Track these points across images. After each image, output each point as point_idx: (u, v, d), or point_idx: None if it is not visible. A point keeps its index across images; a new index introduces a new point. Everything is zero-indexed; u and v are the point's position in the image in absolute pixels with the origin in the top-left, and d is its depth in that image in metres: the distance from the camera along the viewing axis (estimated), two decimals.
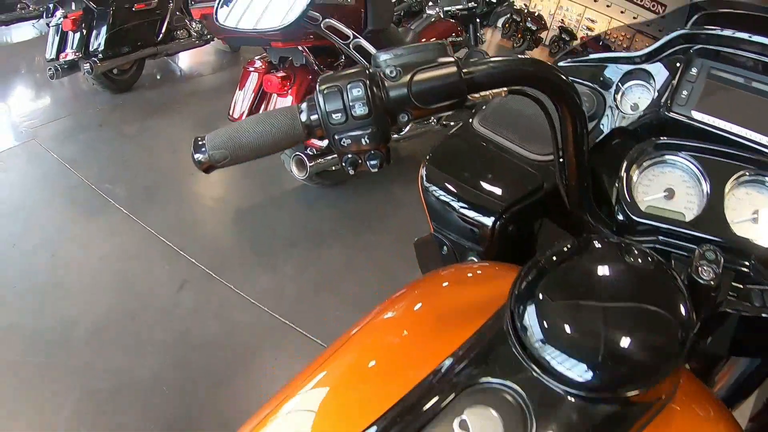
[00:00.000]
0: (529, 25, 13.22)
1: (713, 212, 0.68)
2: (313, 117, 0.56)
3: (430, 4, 3.92)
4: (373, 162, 0.58)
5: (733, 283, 0.63)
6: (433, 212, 0.95)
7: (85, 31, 3.98)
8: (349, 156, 0.58)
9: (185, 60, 5.69)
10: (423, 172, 0.96)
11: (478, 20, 4.24)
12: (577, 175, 0.71)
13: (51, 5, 4.30)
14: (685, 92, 0.80)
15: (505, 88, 0.58)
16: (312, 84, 2.48)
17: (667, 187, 0.72)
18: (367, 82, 0.53)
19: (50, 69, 3.89)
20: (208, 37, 4.97)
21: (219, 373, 1.96)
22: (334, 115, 0.54)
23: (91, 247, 2.51)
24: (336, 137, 0.56)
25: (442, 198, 0.92)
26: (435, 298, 0.72)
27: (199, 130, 3.64)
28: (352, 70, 0.55)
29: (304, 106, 0.58)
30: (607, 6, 16.90)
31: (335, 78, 0.55)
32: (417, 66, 0.55)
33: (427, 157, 0.96)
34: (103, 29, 3.99)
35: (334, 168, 2.78)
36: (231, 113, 2.64)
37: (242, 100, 2.62)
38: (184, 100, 4.60)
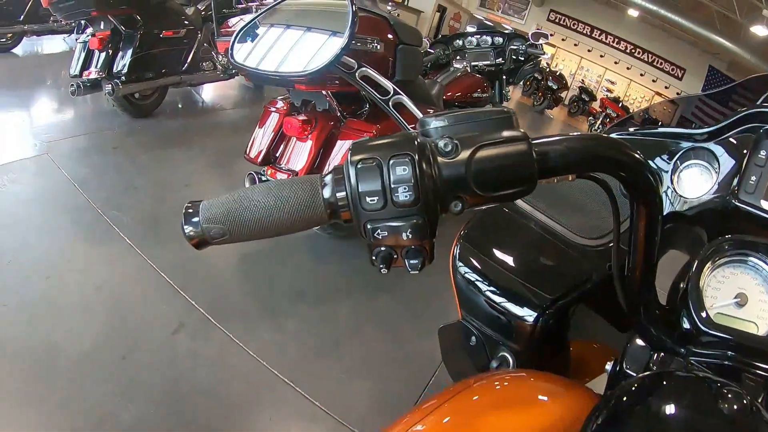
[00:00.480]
0: (550, 83, 13.39)
1: None
2: (340, 195, 0.46)
3: (458, 58, 3.93)
4: (413, 261, 0.47)
5: None
6: (463, 298, 0.85)
7: (111, 52, 4.00)
8: (383, 249, 0.47)
9: (208, 92, 5.72)
10: (456, 250, 0.86)
11: (504, 77, 4.22)
12: (642, 275, 0.62)
13: (82, 22, 4.34)
14: (753, 178, 0.71)
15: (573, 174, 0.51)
16: (333, 131, 2.43)
17: (739, 292, 0.63)
18: (416, 157, 0.43)
19: (72, 85, 3.91)
20: (233, 71, 4.98)
21: (208, 427, 1.82)
22: (368, 199, 0.43)
23: (89, 273, 2.41)
24: (368, 227, 0.45)
25: (477, 283, 0.82)
26: (475, 421, 0.61)
27: (214, 166, 3.59)
28: (396, 139, 0.45)
29: (328, 179, 0.47)
30: (627, 68, 17.21)
31: (374, 147, 0.44)
32: (479, 140, 0.44)
33: (461, 233, 0.87)
34: (129, 52, 4.00)
35: None
36: (248, 152, 2.57)
37: (261, 139, 2.56)
38: (203, 132, 4.59)
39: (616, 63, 17.41)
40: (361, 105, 2.58)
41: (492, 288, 0.80)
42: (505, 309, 0.78)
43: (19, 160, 3.28)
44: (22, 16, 6.14)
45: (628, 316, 0.66)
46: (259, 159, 2.53)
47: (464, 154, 0.44)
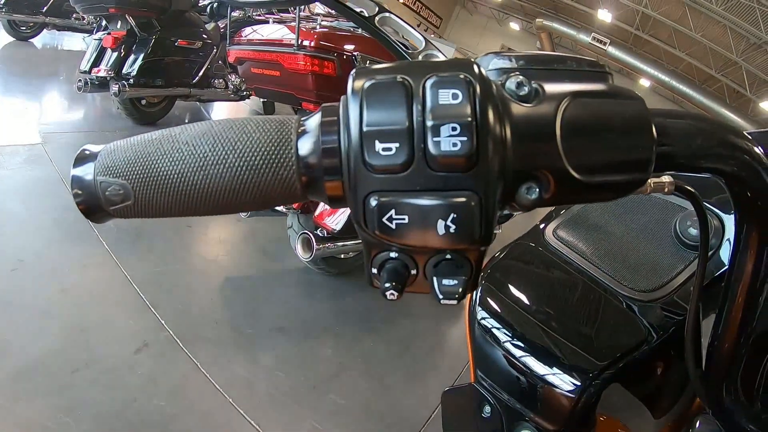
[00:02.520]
0: None
1: None
2: (329, 148, 0.27)
3: None
4: (449, 282, 0.28)
5: None
6: (481, 354, 0.67)
7: (123, 53, 3.93)
8: (393, 256, 0.28)
9: (217, 111, 5.65)
10: (476, 294, 0.69)
11: None
12: (735, 343, 0.44)
13: (103, 23, 4.31)
14: None
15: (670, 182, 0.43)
16: None
17: None
18: (476, 85, 0.25)
19: (80, 80, 3.85)
20: (245, 93, 4.89)
21: None
22: (381, 145, 0.25)
23: (57, 274, 2.25)
24: (373, 203, 0.26)
25: (499, 335, 0.65)
26: None
27: None
28: (444, 60, 0.27)
29: (311, 122, 0.29)
30: None
31: (397, 68, 0.26)
32: (572, 87, 0.28)
33: (484, 274, 0.70)
34: (141, 55, 3.94)
35: (343, 256, 2.52)
36: None
37: None
38: None
39: None
40: None
41: (521, 345, 0.63)
42: (537, 374, 0.61)
43: (11, 145, 3.17)
44: (45, 8, 6.18)
45: (679, 397, 0.56)
46: None
47: (551, 103, 0.27)
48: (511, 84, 0.27)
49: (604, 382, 0.60)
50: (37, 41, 6.57)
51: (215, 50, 4.66)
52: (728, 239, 0.66)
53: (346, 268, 2.75)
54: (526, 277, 0.72)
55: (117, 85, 3.78)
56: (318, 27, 2.21)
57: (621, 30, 13.94)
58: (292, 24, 2.33)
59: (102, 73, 3.84)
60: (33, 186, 2.85)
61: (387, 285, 0.28)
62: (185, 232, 2.97)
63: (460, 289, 0.28)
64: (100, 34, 4.08)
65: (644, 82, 15.45)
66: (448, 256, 0.28)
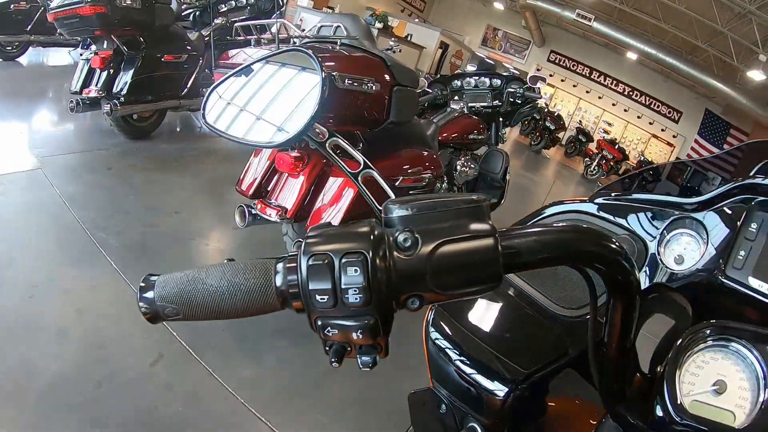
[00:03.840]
0: (548, 124, 13.53)
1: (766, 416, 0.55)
2: (292, 285, 0.43)
3: (456, 98, 3.96)
4: (365, 358, 0.45)
5: None
6: (434, 365, 0.81)
7: (112, 72, 4.04)
8: (335, 342, 0.45)
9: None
10: (430, 315, 0.82)
11: (501, 119, 4.26)
12: (616, 368, 0.59)
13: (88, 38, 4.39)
14: (742, 253, 0.68)
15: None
16: (326, 168, 2.44)
17: (718, 380, 0.59)
18: (369, 257, 0.40)
19: (72, 102, 3.94)
20: None
21: None
22: (318, 297, 0.41)
23: (71, 295, 2.39)
24: (319, 323, 0.43)
25: (448, 351, 0.78)
26: None
27: (206, 195, 3.58)
28: (353, 230, 0.43)
29: (281, 266, 0.45)
30: (625, 110, 17.45)
31: (328, 239, 0.43)
32: (442, 235, 0.42)
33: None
34: (130, 73, 4.04)
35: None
36: (239, 184, 2.57)
37: (253, 172, 2.56)
38: (198, 158, 4.59)
39: (614, 105, 17.67)
40: (355, 144, 2.59)
41: (463, 358, 0.77)
42: (475, 381, 0.74)
43: (12, 173, 3.28)
44: (29, 26, 6.21)
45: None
46: (250, 192, 2.52)
47: (424, 250, 0.41)
48: (399, 237, 0.42)
49: (530, 385, 0.72)
50: (23, 59, 6.62)
51: (201, 60, 4.77)
52: (651, 257, 0.77)
53: None
54: (472, 301, 0.84)
55: (109, 105, 3.90)
56: None
57: (605, 5, 13.92)
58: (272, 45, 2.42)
59: (93, 94, 3.95)
60: (37, 211, 2.97)
61: (333, 359, 0.45)
62: (188, 246, 3.12)
63: (372, 362, 0.45)
64: (87, 54, 4.17)
65: (631, 56, 15.48)
66: (366, 345, 0.45)
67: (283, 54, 2.06)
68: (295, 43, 2.63)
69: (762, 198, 0.72)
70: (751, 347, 0.59)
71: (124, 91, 4.02)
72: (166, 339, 2.28)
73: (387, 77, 2.48)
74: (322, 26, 3.25)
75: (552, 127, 13.56)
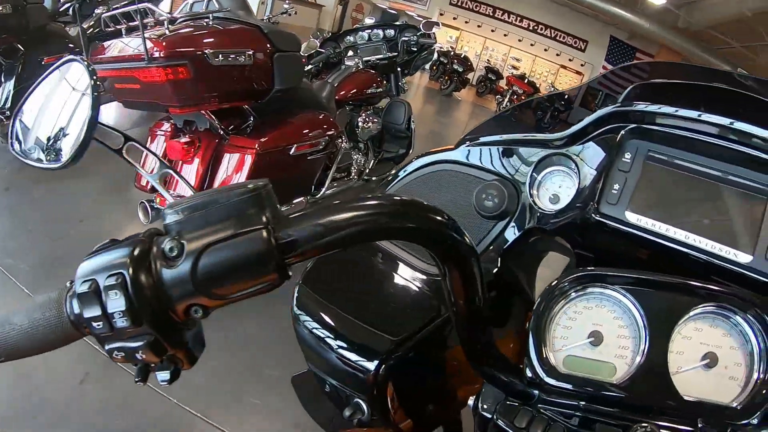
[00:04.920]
0: (455, 66, 13.62)
1: (652, 364, 0.53)
2: (74, 314, 0.40)
3: (350, 54, 3.90)
4: (162, 376, 0.43)
5: None
6: (306, 348, 0.74)
7: None
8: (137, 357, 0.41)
9: (106, 114, 5.42)
10: (295, 296, 0.74)
11: (399, 69, 4.25)
12: (470, 337, 0.55)
13: None
14: (616, 186, 0.64)
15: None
16: (219, 149, 2.37)
17: (593, 330, 0.56)
18: (129, 277, 0.37)
19: None
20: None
21: None
22: (95, 324, 0.38)
23: None
24: (106, 347, 0.40)
25: (317, 332, 0.71)
26: None
27: (109, 196, 3.41)
28: (115, 248, 0.39)
29: (69, 296, 0.41)
30: (531, 45, 17.78)
31: (95, 261, 0.39)
32: (207, 238, 0.38)
33: (302, 277, 0.76)
34: (10, 84, 3.75)
35: None
36: (137, 181, 2.46)
37: (148, 163, 2.45)
38: (98, 159, 4.32)
39: (520, 41, 17.94)
40: (245, 119, 2.53)
41: (332, 336, 0.70)
42: (346, 358, 0.68)
43: None
44: None
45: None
46: (149, 186, 2.42)
47: (189, 259, 0.37)
48: (166, 247, 0.38)
49: (405, 353, 0.67)
50: None
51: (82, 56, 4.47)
52: (524, 201, 0.73)
53: None
54: (339, 274, 0.79)
55: None
56: (167, 32, 2.20)
57: None
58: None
59: None
60: None
61: (137, 378, 0.42)
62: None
63: (171, 377, 0.43)
64: None
65: None
66: (162, 362, 0.42)
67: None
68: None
69: (633, 125, 0.67)
70: (626, 292, 0.56)
71: (8, 104, 3.72)
72: (89, 354, 2.17)
73: (265, 45, 2.41)
74: (194, 2, 3.11)
75: (460, 69, 13.67)
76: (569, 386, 0.54)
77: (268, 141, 2.30)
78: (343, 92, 3.37)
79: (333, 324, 0.71)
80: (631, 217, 0.62)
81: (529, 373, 0.56)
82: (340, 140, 2.89)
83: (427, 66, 12.61)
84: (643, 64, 0.94)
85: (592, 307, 0.57)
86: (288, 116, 2.58)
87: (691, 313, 0.54)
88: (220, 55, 2.20)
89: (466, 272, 0.49)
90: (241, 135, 2.33)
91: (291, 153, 2.47)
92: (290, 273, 0.41)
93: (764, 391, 0.51)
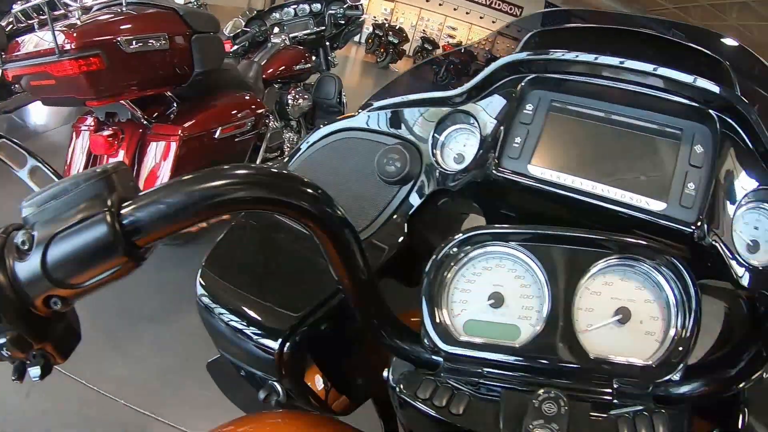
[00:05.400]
0: (391, 38, 13.55)
1: (557, 323, 0.51)
2: None
3: (276, 31, 3.83)
4: (33, 373, 0.42)
5: (592, 413, 0.48)
6: (212, 332, 0.70)
7: None
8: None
9: (35, 113, 5.15)
10: (198, 279, 0.70)
11: (327, 43, 4.21)
12: (362, 308, 0.54)
13: None
14: (518, 139, 0.61)
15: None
16: (143, 139, 2.32)
17: (494, 292, 0.53)
18: None
19: None
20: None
21: None
22: None
23: None
24: None
25: (221, 314, 0.67)
26: None
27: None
28: None
29: None
30: (467, 13, 17.84)
31: None
32: (54, 228, 0.38)
33: (205, 258, 0.72)
34: None
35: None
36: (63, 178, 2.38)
37: (75, 162, 2.39)
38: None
39: (455, 9, 17.99)
40: (167, 106, 2.48)
41: (236, 319, 0.66)
42: (252, 340, 0.64)
43: None
44: None
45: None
46: None
47: (38, 250, 0.37)
48: (18, 240, 0.38)
49: (311, 327, 0.63)
50: None
51: (3, 54, 4.23)
52: (428, 163, 0.70)
53: (191, 235, 2.72)
54: (246, 252, 0.74)
55: None
56: (78, 22, 2.11)
57: None
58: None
59: None
60: None
61: (13, 377, 0.41)
62: None
63: (42, 372, 0.41)
64: None
65: None
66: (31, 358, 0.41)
67: None
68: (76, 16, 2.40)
69: (533, 75, 0.64)
70: (525, 249, 0.53)
71: None
72: None
73: (182, 28, 2.35)
74: None
75: (395, 41, 13.61)
76: (471, 353, 0.51)
77: (192, 126, 2.27)
78: (270, 71, 3.33)
79: (236, 306, 0.67)
80: (534, 170, 0.59)
81: (426, 342, 0.53)
82: (267, 119, 2.87)
83: (363, 39, 12.49)
84: (556, 11, 0.88)
85: (492, 268, 0.54)
86: (212, 99, 2.54)
87: (598, 267, 0.52)
88: (135, 42, 2.14)
89: (341, 245, 0.48)
90: (164, 122, 2.28)
91: (216, 136, 2.44)
92: (146, 256, 0.41)
93: (683, 346, 0.48)
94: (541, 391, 0.47)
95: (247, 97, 2.72)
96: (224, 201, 0.40)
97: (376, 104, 0.78)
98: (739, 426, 0.54)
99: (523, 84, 0.63)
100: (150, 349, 2.26)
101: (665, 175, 0.56)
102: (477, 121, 0.67)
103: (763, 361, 0.49)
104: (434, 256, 0.55)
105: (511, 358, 0.50)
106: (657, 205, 0.55)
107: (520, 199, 0.63)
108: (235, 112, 2.59)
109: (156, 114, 2.41)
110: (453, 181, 0.66)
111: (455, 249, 0.55)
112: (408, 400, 0.52)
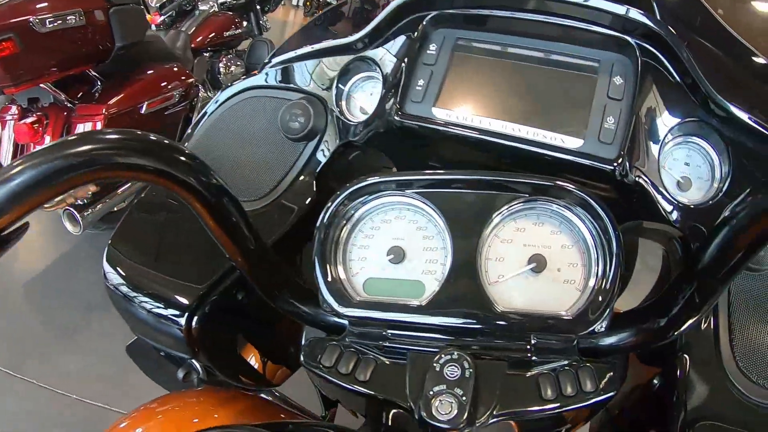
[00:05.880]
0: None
1: (462, 276, 0.48)
2: None
3: None
4: None
5: (509, 372, 0.45)
6: (123, 312, 0.66)
7: None
8: None
9: None
10: (105, 261, 0.65)
11: (258, 7, 4.09)
12: (255, 275, 0.51)
13: None
14: (421, 81, 0.57)
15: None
16: (68, 122, 2.24)
17: (393, 246, 0.50)
18: None
19: None
20: None
21: None
22: None
23: None
24: None
25: (129, 293, 0.63)
26: None
27: None
28: None
29: None
30: None
31: None
32: None
33: (112, 235, 0.68)
34: None
35: (116, 208, 2.44)
36: None
37: (2, 153, 2.29)
38: None
39: None
40: (91, 84, 2.39)
41: (142, 296, 0.62)
42: (160, 318, 0.60)
43: None
44: None
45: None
46: None
47: None
48: None
49: (220, 297, 0.60)
50: None
51: None
52: (332, 116, 0.66)
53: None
54: (154, 226, 0.70)
55: None
56: None
57: None
58: None
59: None
60: None
61: None
62: None
63: None
64: None
65: None
66: None
67: None
68: None
69: (435, 12, 0.60)
70: (424, 198, 0.50)
71: None
72: None
73: (98, 1, 2.24)
74: None
75: (335, 2, 13.24)
76: (373, 313, 0.48)
77: (117, 103, 2.20)
78: (199, 39, 3.23)
79: (142, 283, 0.63)
80: (440, 113, 0.55)
81: (324, 305, 0.50)
82: (198, 90, 2.80)
83: (300, 2, 12.10)
84: None
85: (391, 220, 0.51)
86: (137, 73, 2.45)
87: (505, 211, 0.48)
88: (49, 21, 2.04)
89: (220, 215, 0.46)
90: (88, 102, 2.21)
91: (143, 111, 2.37)
92: (13, 238, 0.38)
93: (606, 293, 0.45)
94: (442, 353, 0.44)
95: (175, 69, 2.64)
96: (80, 170, 0.37)
97: (277, 60, 0.74)
98: (678, 374, 0.50)
99: (424, 23, 0.59)
100: (99, 339, 2.22)
101: (582, 111, 0.53)
102: (379, 67, 0.63)
103: (697, 306, 0.44)
104: (323, 213, 0.51)
105: (415, 317, 0.47)
106: (573, 143, 0.52)
107: (430, 148, 0.60)
108: (162, 84, 2.52)
109: (80, 94, 2.33)
110: (357, 134, 0.63)
111: (346, 203, 0.51)
112: (313, 368, 0.49)
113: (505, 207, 0.48)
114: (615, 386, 0.44)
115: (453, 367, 0.43)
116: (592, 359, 0.45)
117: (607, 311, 0.45)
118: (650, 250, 0.64)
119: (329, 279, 0.50)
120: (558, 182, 0.47)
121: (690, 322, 0.44)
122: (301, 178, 0.66)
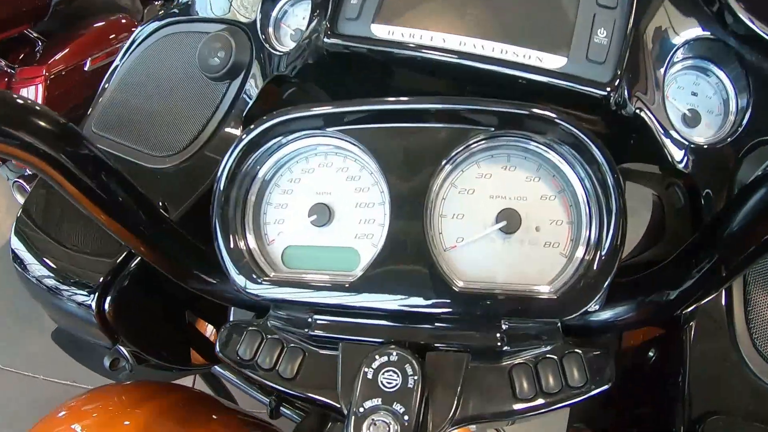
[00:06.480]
0: None
1: (407, 240, 0.36)
2: None
3: None
4: None
5: (473, 365, 0.35)
6: (36, 295, 0.59)
7: None
8: None
9: None
10: (11, 234, 0.59)
11: None
12: (153, 250, 0.43)
13: None
14: None
15: None
16: (10, 87, 2.10)
17: (317, 203, 0.40)
18: None
19: None
20: None
21: None
22: None
23: None
24: None
25: (38, 274, 0.56)
26: None
27: None
28: None
29: None
30: None
31: None
32: None
33: (20, 209, 0.61)
34: None
35: None
36: None
37: None
38: None
39: None
40: (32, 46, 2.23)
41: (50, 274, 0.55)
42: (71, 300, 0.53)
43: None
44: None
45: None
46: None
47: None
48: None
49: (138, 270, 0.53)
50: None
51: None
52: (258, 46, 0.58)
53: None
54: (59, 200, 0.61)
55: None
56: None
57: None
58: None
59: None
60: None
61: None
62: None
63: None
64: None
65: None
66: None
67: None
68: None
69: None
70: (354, 138, 0.39)
71: None
72: None
73: None
74: None
75: None
76: (291, 294, 0.39)
77: (57, 62, 2.06)
78: None
79: (50, 261, 0.55)
80: (380, 30, 0.44)
81: (233, 284, 0.41)
82: None
83: None
84: None
85: (314, 169, 0.41)
86: (79, 29, 2.30)
87: (464, 151, 0.37)
88: None
89: (93, 191, 0.38)
90: (29, 65, 2.07)
91: (87, 68, 2.23)
92: None
93: (600, 264, 0.35)
94: (376, 355, 0.33)
95: (123, 21, 2.48)
96: None
97: None
98: (683, 354, 0.41)
99: None
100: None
101: (565, 21, 0.40)
102: None
103: (716, 282, 0.34)
104: (221, 164, 0.41)
105: (346, 298, 0.37)
106: (554, 61, 0.40)
107: (374, 76, 0.49)
108: (109, 37, 2.36)
109: (22, 56, 2.18)
110: (287, 64, 0.53)
111: (253, 148, 0.41)
112: (229, 361, 0.40)
113: (464, 146, 0.37)
114: (609, 376, 0.34)
115: (391, 373, 0.33)
116: (580, 341, 0.35)
117: (604, 286, 0.34)
118: (632, 192, 0.54)
119: (233, 249, 0.40)
120: (535, 110, 0.35)
121: (706, 299, 0.35)
122: (226, 124, 0.56)
